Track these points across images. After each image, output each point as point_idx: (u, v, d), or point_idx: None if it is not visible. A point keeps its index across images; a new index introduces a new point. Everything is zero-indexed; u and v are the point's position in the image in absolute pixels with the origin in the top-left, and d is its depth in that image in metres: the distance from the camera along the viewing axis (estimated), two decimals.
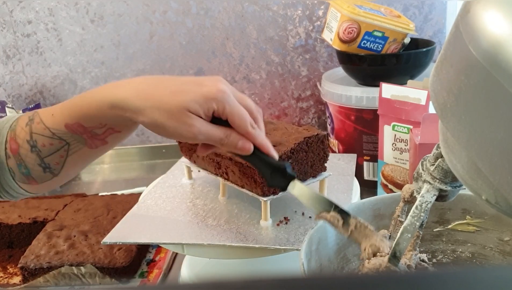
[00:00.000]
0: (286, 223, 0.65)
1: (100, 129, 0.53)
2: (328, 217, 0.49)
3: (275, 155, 0.54)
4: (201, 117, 0.50)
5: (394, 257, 0.46)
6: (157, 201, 0.73)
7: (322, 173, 0.70)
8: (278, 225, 0.64)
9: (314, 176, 0.69)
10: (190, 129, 0.50)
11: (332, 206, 0.50)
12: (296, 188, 0.53)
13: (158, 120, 0.50)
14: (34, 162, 0.54)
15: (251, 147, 0.52)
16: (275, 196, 0.64)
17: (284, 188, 0.53)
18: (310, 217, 0.66)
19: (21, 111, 1.10)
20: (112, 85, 0.52)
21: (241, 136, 0.52)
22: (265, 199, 0.64)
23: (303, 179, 0.68)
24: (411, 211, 0.46)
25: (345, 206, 0.50)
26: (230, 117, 0.51)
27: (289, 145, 0.65)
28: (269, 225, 0.64)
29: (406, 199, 0.51)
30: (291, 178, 0.53)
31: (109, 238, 0.64)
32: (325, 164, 0.70)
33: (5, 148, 0.54)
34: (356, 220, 0.49)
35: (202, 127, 0.50)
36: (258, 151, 0.53)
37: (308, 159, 0.68)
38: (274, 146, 0.57)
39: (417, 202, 0.46)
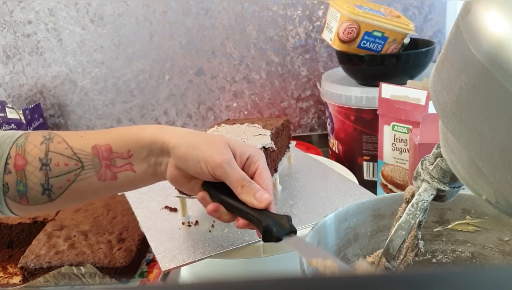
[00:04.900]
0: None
1: (122, 160, 0.54)
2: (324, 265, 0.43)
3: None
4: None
5: (387, 253, 0.46)
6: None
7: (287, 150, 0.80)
8: None
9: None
10: (221, 154, 0.52)
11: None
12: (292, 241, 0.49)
13: (195, 141, 0.53)
14: (37, 181, 0.54)
15: (269, 199, 0.51)
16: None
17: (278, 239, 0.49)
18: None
19: (21, 111, 1.10)
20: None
21: (261, 187, 0.52)
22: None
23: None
24: (407, 209, 0.46)
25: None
26: (258, 170, 0.54)
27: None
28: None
29: (408, 201, 0.51)
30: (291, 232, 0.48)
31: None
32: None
33: (6, 163, 0.54)
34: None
35: (232, 160, 0.53)
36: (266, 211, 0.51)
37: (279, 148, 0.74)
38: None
39: (413, 200, 0.46)
